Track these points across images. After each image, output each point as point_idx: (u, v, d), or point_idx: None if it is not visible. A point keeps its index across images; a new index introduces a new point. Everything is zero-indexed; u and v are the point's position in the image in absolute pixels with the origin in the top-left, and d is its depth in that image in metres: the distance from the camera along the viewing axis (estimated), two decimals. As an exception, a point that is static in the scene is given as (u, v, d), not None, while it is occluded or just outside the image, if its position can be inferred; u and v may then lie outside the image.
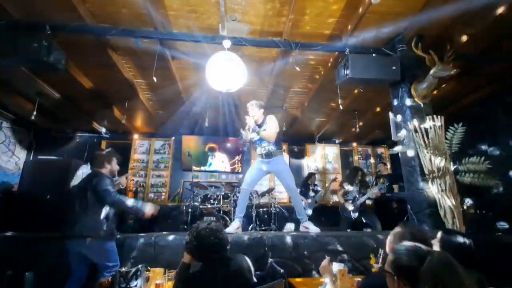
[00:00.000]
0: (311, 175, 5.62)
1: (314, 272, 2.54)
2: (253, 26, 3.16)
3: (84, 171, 3.42)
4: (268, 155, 3.11)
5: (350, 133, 6.49)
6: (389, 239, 1.55)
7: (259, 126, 3.18)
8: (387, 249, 1.59)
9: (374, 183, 4.77)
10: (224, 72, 2.98)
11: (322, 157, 6.98)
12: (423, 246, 1.11)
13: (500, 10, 2.68)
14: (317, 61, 3.85)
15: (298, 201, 3.23)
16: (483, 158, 2.71)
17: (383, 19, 3.00)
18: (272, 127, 3.09)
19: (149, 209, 2.44)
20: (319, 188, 5.55)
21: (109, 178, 2.44)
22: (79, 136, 6.48)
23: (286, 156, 6.38)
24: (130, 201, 2.43)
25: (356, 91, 4.45)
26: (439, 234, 1.55)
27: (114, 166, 2.58)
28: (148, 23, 3.05)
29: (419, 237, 1.41)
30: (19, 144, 5.72)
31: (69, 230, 2.27)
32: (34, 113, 4.48)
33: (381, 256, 2.11)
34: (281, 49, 3.41)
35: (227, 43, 3.07)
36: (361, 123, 5.58)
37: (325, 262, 1.80)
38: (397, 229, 1.55)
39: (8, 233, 2.86)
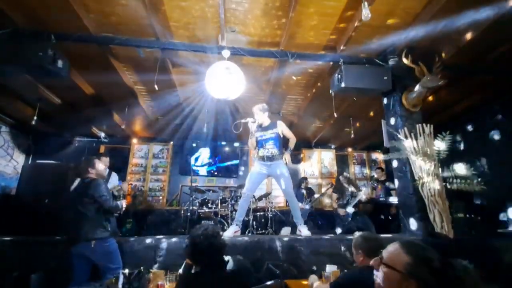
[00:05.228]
0: (303, 179, 5.78)
1: (308, 274, 2.63)
2: (251, 37, 3.29)
3: None
4: (270, 158, 3.21)
5: (345, 138, 6.63)
6: (357, 245, 1.72)
7: (266, 129, 3.30)
8: (357, 256, 1.73)
9: (368, 186, 4.92)
10: (223, 81, 3.09)
11: (318, 162, 7.10)
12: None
13: (484, 26, 2.84)
14: (312, 70, 3.98)
15: (295, 206, 3.32)
16: (469, 164, 2.85)
17: (375, 32, 3.15)
18: (287, 129, 3.34)
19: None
20: (314, 194, 5.67)
21: (103, 182, 2.52)
22: (77, 140, 6.52)
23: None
24: (121, 204, 2.63)
25: (350, 98, 4.60)
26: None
27: (99, 167, 2.60)
28: (150, 33, 3.16)
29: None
30: (18, 148, 5.74)
31: (73, 233, 2.34)
32: (35, 118, 4.53)
33: None
34: (278, 59, 3.54)
35: (226, 53, 3.19)
36: (356, 129, 5.72)
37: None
38: (356, 237, 1.75)
39: (6, 237, 2.88)
